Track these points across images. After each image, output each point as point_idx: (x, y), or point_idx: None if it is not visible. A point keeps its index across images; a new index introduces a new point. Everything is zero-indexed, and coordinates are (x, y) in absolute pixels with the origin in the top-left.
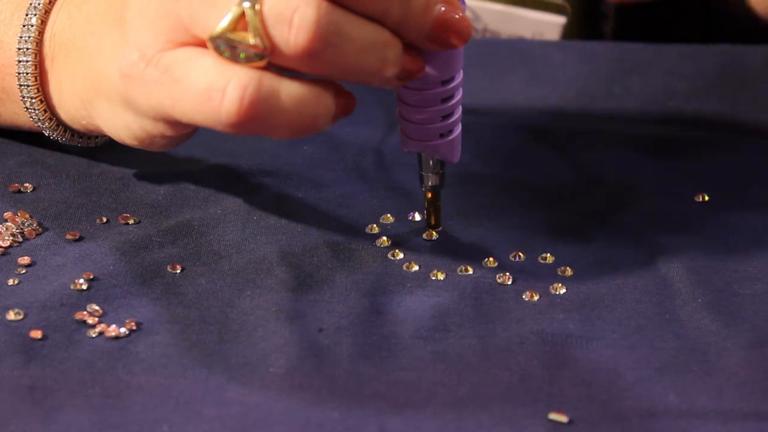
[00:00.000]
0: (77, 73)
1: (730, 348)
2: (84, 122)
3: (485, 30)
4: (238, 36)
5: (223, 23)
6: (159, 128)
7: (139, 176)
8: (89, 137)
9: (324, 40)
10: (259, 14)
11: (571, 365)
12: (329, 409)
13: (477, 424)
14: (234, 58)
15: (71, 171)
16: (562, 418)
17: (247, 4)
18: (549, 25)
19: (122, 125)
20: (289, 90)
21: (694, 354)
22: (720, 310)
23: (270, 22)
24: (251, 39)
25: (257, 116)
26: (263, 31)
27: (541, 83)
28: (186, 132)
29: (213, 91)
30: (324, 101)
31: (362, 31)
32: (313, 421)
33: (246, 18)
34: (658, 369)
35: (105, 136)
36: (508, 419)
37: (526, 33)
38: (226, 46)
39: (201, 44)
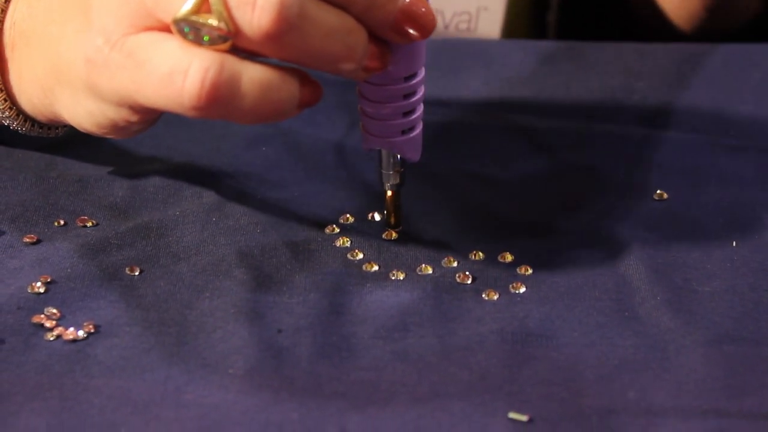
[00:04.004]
0: (38, 61)
1: (688, 345)
2: (45, 111)
3: None
4: (202, 18)
5: (187, 6)
6: (122, 114)
7: (97, 178)
8: (50, 127)
9: (288, 23)
10: None
11: (531, 364)
12: (289, 410)
13: (437, 423)
14: (197, 41)
15: (28, 173)
16: (522, 417)
17: None
18: None
19: (84, 112)
20: (252, 73)
21: (653, 351)
22: (679, 308)
23: (233, 3)
24: (214, 21)
25: (219, 99)
26: (226, 13)
27: (500, 82)
28: (148, 119)
29: (175, 74)
30: (288, 86)
31: (327, 16)
32: (272, 422)
33: (208, 0)
34: (618, 367)
35: (66, 126)
36: (467, 418)
37: (471, 8)
38: (189, 29)
39: (165, 28)
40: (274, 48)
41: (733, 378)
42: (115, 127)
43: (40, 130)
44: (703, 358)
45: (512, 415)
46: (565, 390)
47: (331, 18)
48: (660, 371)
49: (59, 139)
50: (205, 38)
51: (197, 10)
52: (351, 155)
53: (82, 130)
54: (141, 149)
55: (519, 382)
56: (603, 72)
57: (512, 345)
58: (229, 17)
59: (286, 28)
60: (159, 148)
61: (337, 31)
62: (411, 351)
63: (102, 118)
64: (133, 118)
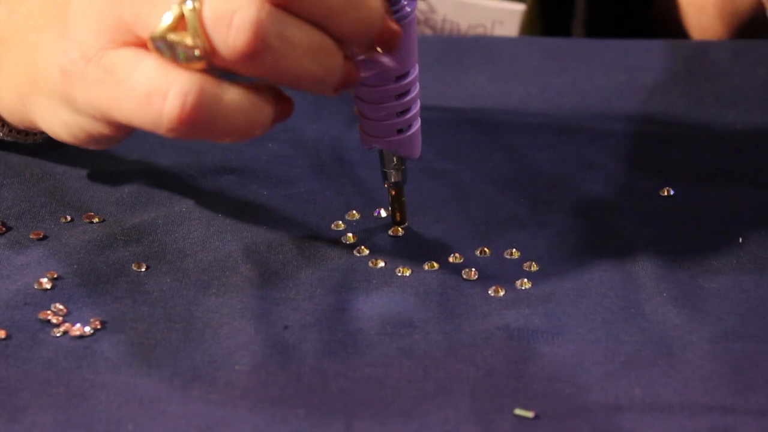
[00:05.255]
0: (16, 68)
1: (695, 342)
2: (22, 118)
3: (444, 20)
4: (178, 37)
5: (163, 23)
6: (97, 127)
7: (104, 175)
8: (27, 133)
9: (263, 43)
10: (198, 15)
11: (537, 360)
12: (295, 407)
13: (443, 420)
14: (174, 59)
15: (35, 170)
16: (528, 414)
17: (187, 5)
18: (508, 13)
19: (60, 122)
20: (230, 96)
21: (659, 348)
22: (685, 304)
23: (209, 23)
24: (190, 40)
25: (198, 121)
26: (202, 32)
27: (507, 79)
28: (123, 133)
29: (154, 95)
30: (264, 107)
31: (304, 36)
32: (278, 418)
33: (185, 19)
34: (624, 363)
35: (44, 133)
36: (474, 415)
37: (486, 21)
38: (165, 47)
39: (143, 44)
40: (249, 67)
41: (739, 374)
42: (91, 139)
43: (18, 135)
44: (710, 355)
45: (518, 411)
46: (571, 386)
47: (308, 38)
48: (666, 368)
49: None
50: (181, 56)
51: (174, 27)
52: (357, 151)
53: (57, 139)
54: (147, 145)
55: (525, 378)
56: (609, 69)
57: (518, 341)
58: (204, 36)
59: (261, 48)
60: (165, 145)
61: (315, 52)
62: (417, 347)
63: (77, 130)
64: (107, 131)
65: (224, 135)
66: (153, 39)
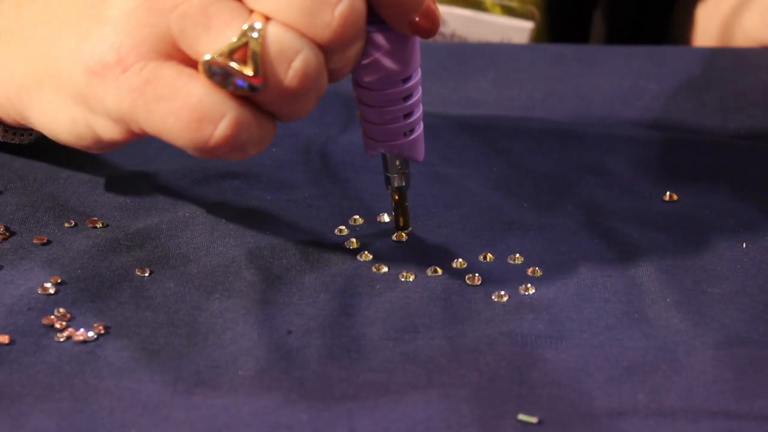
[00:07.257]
0: (18, 61)
1: (698, 347)
2: (13, 113)
3: (453, 35)
4: (238, 66)
5: (222, 48)
6: (113, 132)
7: (107, 179)
8: (15, 132)
9: (308, 87)
10: (263, 47)
11: (541, 365)
12: (298, 412)
13: (446, 425)
14: (223, 84)
15: (38, 174)
16: (532, 419)
17: (253, 35)
18: (517, 30)
19: (66, 120)
20: (267, 126)
21: (662, 353)
22: (689, 309)
23: (271, 57)
24: (250, 71)
25: (237, 147)
26: (263, 66)
27: (510, 84)
28: (137, 138)
29: (205, 121)
30: (274, 122)
31: (325, 82)
32: (282, 423)
33: (248, 49)
34: (627, 368)
35: (32, 134)
36: (477, 420)
37: (494, 38)
38: (220, 72)
39: (186, 60)
40: (285, 105)
41: (743, 380)
42: (95, 141)
43: (5, 134)
44: (713, 360)
45: (522, 416)
46: (574, 392)
47: (325, 83)
48: (670, 373)
49: None
50: (231, 84)
51: (231, 54)
52: (360, 156)
53: (52, 138)
54: (150, 150)
55: (528, 383)
56: (613, 74)
57: (521, 347)
58: (263, 69)
59: (305, 92)
60: (168, 149)
61: (323, 92)
62: (420, 353)
63: (85, 130)
64: (122, 137)
65: (243, 156)
66: (208, 63)
